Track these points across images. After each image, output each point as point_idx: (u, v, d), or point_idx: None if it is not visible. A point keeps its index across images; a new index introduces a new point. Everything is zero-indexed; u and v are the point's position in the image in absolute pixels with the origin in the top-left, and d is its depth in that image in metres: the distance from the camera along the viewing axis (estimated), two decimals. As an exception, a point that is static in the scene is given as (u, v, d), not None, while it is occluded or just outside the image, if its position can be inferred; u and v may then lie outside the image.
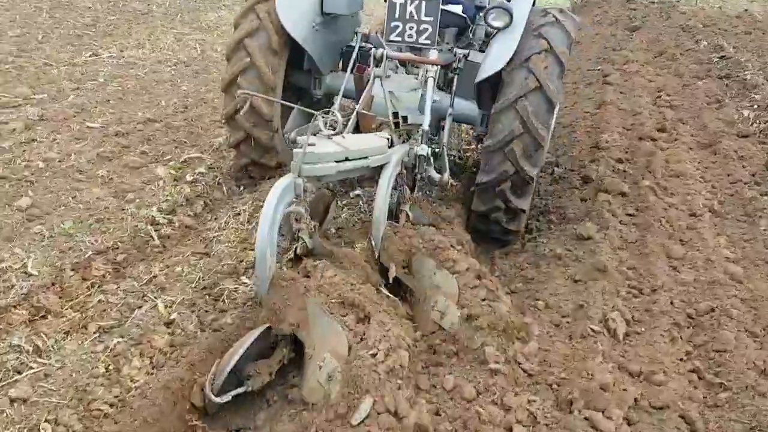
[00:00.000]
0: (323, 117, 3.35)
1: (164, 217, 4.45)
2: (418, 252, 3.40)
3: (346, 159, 3.34)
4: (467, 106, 4.47)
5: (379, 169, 3.52)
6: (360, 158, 3.43)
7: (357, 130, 4.01)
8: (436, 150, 4.15)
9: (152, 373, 2.98)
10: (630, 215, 4.99)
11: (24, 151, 5.18)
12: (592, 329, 3.45)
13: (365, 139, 3.68)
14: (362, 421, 2.44)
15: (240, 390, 2.79)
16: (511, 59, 3.89)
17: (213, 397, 2.69)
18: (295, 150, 3.16)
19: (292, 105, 3.97)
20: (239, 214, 4.48)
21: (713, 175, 5.88)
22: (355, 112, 4.01)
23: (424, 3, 3.91)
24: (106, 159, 5.29)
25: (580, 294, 3.85)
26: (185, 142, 5.85)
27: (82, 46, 8.50)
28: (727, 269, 4.27)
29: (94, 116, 6.18)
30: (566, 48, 3.94)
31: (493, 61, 3.98)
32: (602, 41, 11.32)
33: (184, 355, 3.03)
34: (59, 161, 5.10)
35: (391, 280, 3.34)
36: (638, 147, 6.33)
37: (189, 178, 5.03)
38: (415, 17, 3.97)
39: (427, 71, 4.15)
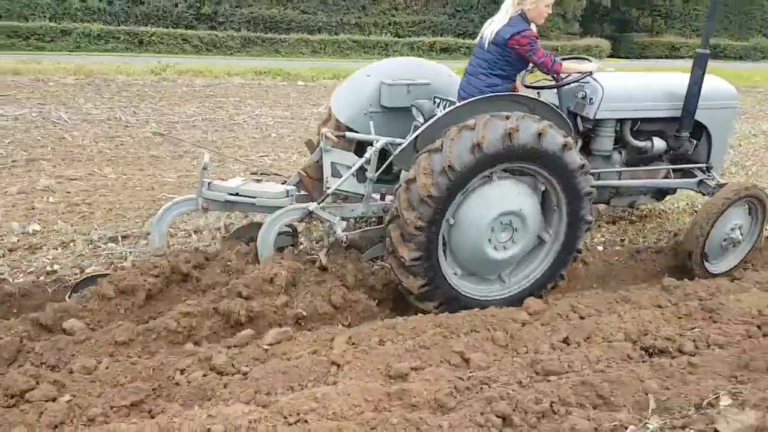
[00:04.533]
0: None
1: None
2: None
3: (237, 194, 4.37)
4: None
5: (273, 210, 4.31)
6: (247, 196, 4.38)
7: (300, 183, 4.87)
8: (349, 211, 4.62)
9: None
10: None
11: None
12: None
13: (265, 186, 4.55)
14: None
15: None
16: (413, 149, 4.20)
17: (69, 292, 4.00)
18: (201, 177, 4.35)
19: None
20: None
21: None
22: (296, 172, 4.95)
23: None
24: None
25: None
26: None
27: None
28: None
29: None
30: (437, 172, 3.85)
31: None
32: None
33: None
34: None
35: None
36: None
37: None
38: None
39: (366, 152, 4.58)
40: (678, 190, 5.93)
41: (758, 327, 3.96)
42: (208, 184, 4.35)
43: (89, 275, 4.20)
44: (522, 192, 4.21)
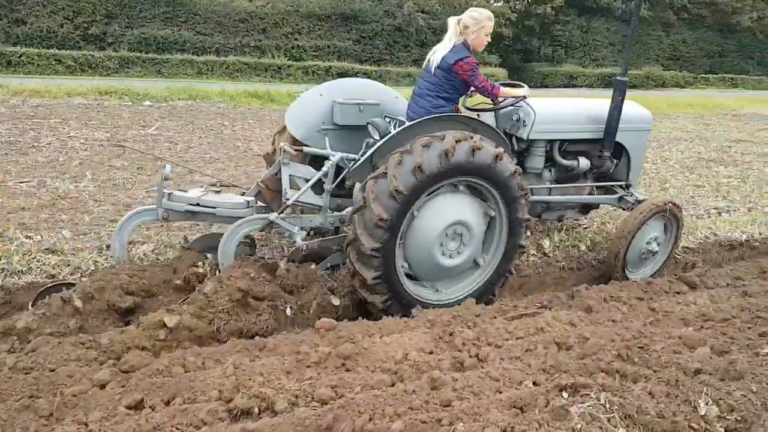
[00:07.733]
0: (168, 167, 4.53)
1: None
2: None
3: (198, 204, 4.48)
4: None
5: (233, 220, 4.46)
6: (208, 206, 4.49)
7: (259, 195, 4.98)
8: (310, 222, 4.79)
9: None
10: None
11: None
12: None
13: (225, 197, 4.67)
14: None
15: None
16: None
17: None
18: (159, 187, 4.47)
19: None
20: None
21: None
22: (256, 183, 5.07)
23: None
24: None
25: None
26: None
27: None
28: None
29: None
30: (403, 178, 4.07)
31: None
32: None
33: None
34: None
35: None
36: None
37: None
38: None
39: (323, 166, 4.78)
40: (600, 205, 6.47)
41: (395, 374, 3.45)
42: (169, 194, 4.45)
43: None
44: (476, 210, 4.54)
